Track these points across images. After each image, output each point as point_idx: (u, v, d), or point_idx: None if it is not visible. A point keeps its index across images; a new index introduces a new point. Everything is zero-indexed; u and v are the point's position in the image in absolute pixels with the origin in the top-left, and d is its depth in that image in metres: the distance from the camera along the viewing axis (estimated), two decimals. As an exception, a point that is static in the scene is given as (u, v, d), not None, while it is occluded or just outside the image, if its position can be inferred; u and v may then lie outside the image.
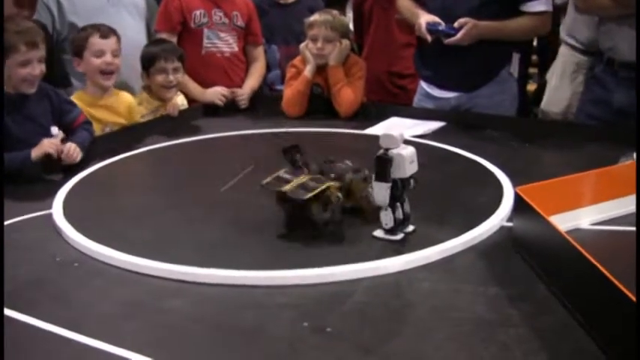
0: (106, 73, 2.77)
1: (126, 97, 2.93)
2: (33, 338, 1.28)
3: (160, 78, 3.00)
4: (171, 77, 3.00)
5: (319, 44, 3.02)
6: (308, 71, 3.08)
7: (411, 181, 1.64)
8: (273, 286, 1.46)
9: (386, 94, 3.52)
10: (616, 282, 1.11)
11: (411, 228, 1.69)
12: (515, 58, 2.90)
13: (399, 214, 1.65)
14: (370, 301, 1.39)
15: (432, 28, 2.68)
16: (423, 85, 3.03)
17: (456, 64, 2.81)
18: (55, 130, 2.29)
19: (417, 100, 3.08)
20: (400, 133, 1.62)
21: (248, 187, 1.74)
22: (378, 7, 3.56)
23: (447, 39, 2.68)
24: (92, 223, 1.81)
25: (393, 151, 1.60)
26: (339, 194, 1.67)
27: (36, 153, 2.19)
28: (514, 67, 2.91)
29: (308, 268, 1.49)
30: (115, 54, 2.79)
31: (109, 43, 2.78)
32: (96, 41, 2.76)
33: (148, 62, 3.02)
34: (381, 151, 1.61)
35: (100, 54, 2.75)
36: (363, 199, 1.74)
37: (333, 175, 1.72)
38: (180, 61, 3.05)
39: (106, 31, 2.79)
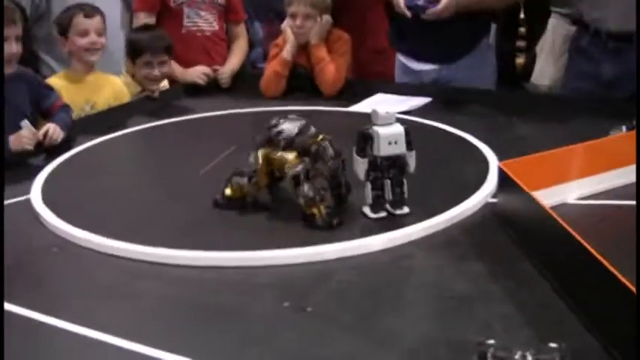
0: (91, 50, 2.76)
1: (115, 80, 2.92)
2: (8, 324, 1.25)
3: (144, 71, 2.95)
4: (156, 72, 2.95)
5: (298, 22, 2.93)
6: (286, 52, 2.99)
7: (411, 164, 1.60)
8: (252, 267, 1.44)
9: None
10: (599, 257, 1.09)
11: (406, 210, 1.64)
12: (493, 28, 2.87)
13: (388, 193, 1.61)
14: (352, 279, 1.37)
15: (410, 3, 2.65)
16: (401, 58, 2.99)
17: (435, 36, 2.76)
18: (25, 122, 2.24)
19: (397, 75, 3.05)
20: (388, 111, 1.58)
21: (229, 168, 1.72)
22: None
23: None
24: (71, 207, 1.78)
25: (374, 128, 1.56)
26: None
27: (15, 146, 2.15)
28: (492, 38, 2.88)
29: (289, 247, 1.47)
30: (100, 33, 2.79)
31: (94, 22, 2.78)
32: (80, 21, 2.75)
33: (134, 52, 2.97)
34: (365, 127, 1.58)
35: (85, 33, 2.75)
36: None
37: (282, 143, 1.62)
38: (168, 53, 2.99)
39: (90, 11, 2.79)
